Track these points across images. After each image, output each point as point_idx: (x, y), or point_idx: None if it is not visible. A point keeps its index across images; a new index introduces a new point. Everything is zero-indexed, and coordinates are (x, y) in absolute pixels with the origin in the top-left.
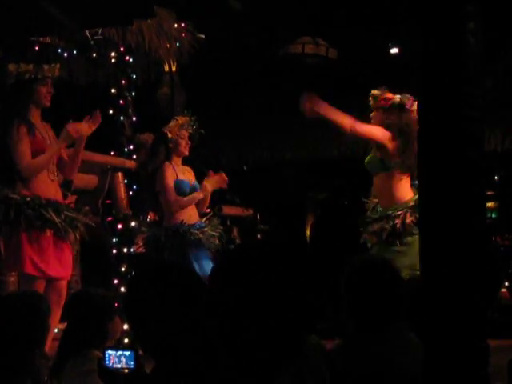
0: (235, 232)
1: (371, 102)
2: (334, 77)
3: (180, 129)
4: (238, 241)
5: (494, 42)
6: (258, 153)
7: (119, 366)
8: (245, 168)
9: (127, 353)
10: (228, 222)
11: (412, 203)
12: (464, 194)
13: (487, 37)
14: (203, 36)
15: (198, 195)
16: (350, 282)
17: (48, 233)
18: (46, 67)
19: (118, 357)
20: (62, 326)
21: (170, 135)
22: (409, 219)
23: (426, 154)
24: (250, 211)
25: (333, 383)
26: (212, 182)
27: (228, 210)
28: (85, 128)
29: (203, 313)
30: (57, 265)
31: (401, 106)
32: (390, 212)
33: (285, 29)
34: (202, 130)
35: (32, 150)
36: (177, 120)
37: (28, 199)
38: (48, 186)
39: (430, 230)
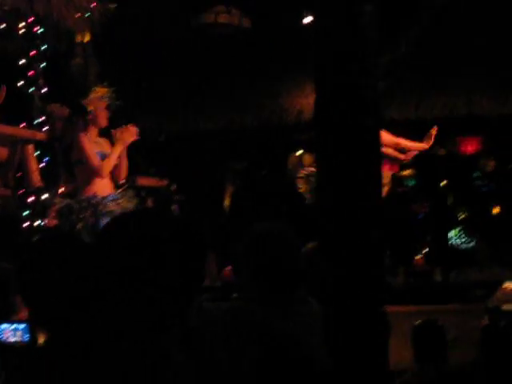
0: (150, 203)
1: None
2: (248, 46)
3: (99, 100)
4: None
5: (407, 8)
6: (175, 123)
7: (14, 339)
8: (161, 139)
9: (22, 326)
10: (143, 193)
11: None
12: (360, 162)
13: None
14: (114, 6)
15: (116, 149)
16: (248, 249)
17: None
18: None
19: (12, 330)
20: None
21: (89, 107)
22: None
23: (323, 122)
24: (165, 182)
25: (228, 349)
26: (126, 135)
27: (142, 181)
28: None
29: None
30: None
31: None
32: None
33: None
34: (120, 102)
35: None
36: (96, 92)
37: None
38: None
39: (328, 199)
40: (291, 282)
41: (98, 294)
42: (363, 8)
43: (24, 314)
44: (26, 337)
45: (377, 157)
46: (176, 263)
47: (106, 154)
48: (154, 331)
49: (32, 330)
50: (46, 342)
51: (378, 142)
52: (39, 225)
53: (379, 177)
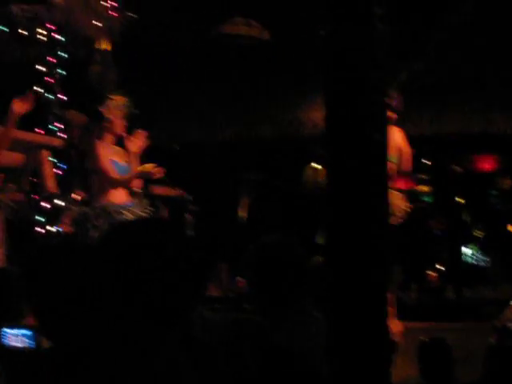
0: (165, 212)
1: None
2: (267, 59)
3: (116, 109)
4: None
5: (424, 25)
6: (190, 133)
7: (18, 344)
8: (177, 147)
9: (26, 331)
10: (158, 202)
11: None
12: (367, 176)
13: (416, 18)
14: (133, 15)
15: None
16: (252, 261)
17: None
18: None
19: (16, 335)
20: None
21: (107, 115)
22: None
23: (332, 136)
24: (180, 191)
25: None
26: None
27: (157, 190)
28: (18, 107)
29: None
30: None
31: None
32: None
33: (217, 9)
34: (137, 110)
35: None
36: (114, 100)
37: None
38: None
39: (336, 212)
40: (295, 294)
41: (101, 301)
42: (375, 24)
43: (31, 319)
44: (30, 342)
45: (383, 172)
46: (176, 273)
47: (121, 164)
48: (153, 341)
49: (36, 336)
50: (49, 348)
51: (384, 157)
52: (53, 231)
53: (385, 192)
